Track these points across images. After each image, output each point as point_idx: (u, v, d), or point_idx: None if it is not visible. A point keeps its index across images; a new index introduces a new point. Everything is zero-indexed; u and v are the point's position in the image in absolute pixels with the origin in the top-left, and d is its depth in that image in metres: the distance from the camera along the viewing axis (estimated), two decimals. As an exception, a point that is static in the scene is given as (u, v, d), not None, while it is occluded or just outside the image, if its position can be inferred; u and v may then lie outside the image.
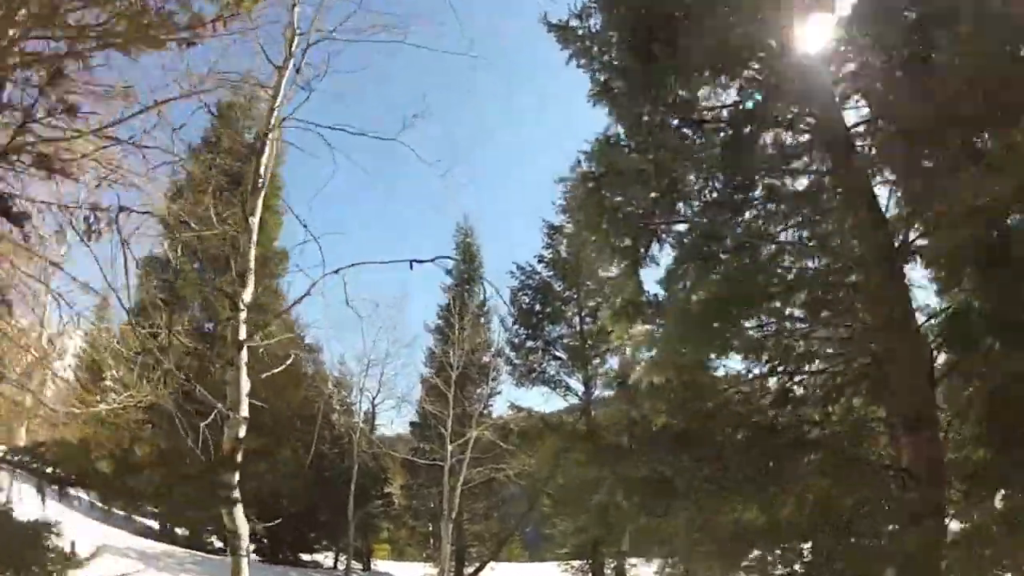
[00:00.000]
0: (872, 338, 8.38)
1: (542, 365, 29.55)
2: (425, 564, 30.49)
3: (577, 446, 27.38)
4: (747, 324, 9.00)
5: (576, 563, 27.81)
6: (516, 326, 30.21)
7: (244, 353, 6.36)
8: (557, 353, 29.98)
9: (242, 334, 6.30)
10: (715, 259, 8.78)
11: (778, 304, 8.79)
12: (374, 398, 30.10)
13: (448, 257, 5.34)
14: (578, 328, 30.07)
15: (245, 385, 6.29)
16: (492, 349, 29.94)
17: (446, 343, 24.22)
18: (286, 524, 27.58)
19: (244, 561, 6.06)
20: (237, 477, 6.17)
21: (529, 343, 29.87)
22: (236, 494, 6.05)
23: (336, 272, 6.28)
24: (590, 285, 30.07)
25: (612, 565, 27.31)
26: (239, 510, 6.00)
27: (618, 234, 9.48)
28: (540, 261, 30.87)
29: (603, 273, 20.15)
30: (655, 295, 9.60)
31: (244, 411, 6.31)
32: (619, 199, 9.34)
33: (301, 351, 29.68)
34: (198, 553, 23.04)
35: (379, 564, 32.34)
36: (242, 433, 6.18)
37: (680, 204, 9.31)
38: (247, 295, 6.44)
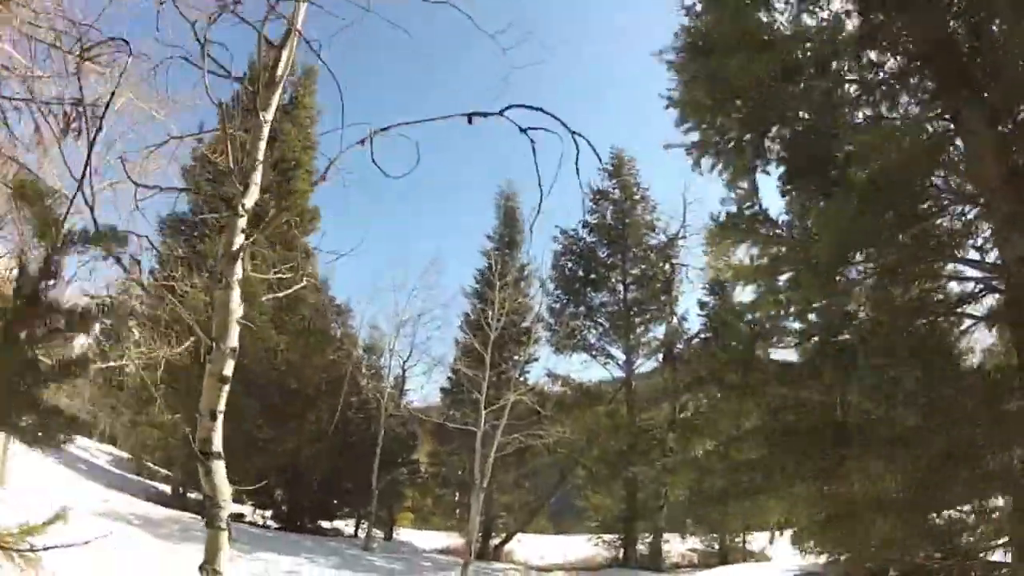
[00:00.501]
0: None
1: (582, 332, 28.53)
2: (448, 533, 29.40)
3: (616, 418, 26.10)
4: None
5: (608, 537, 26.72)
6: (557, 291, 29.20)
7: (239, 267, 4.86)
8: (599, 320, 28.73)
9: (237, 242, 4.79)
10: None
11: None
12: (405, 361, 28.80)
13: (517, 106, 3.69)
14: (622, 295, 28.86)
15: (237, 308, 4.80)
16: (532, 314, 28.56)
17: (484, 304, 22.67)
18: (307, 491, 27.00)
19: (223, 536, 4.59)
20: (219, 426, 4.67)
21: (570, 309, 28.80)
22: (216, 446, 4.57)
23: (362, 142, 4.62)
24: (636, 252, 28.90)
25: (647, 540, 26.14)
26: (219, 469, 4.56)
27: (728, 115, 7.92)
28: (585, 226, 29.67)
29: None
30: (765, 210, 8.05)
31: (232, 341, 4.82)
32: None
33: (330, 312, 28.55)
34: (208, 520, 21.92)
35: (401, 532, 31.17)
36: (228, 370, 4.69)
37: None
38: (249, 199, 4.94)
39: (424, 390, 30.28)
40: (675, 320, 27.70)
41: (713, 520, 25.76)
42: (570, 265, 29.32)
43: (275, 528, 25.53)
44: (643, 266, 28.98)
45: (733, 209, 8.43)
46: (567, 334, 27.78)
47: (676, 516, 26.45)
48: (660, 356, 27.98)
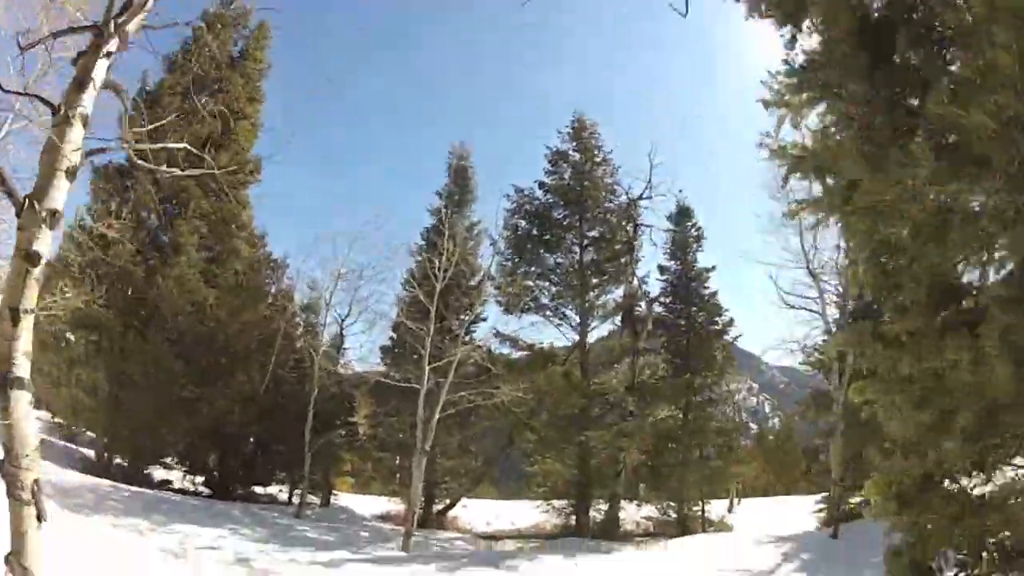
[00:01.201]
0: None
1: (534, 293, 27.12)
2: (390, 499, 27.82)
3: (570, 380, 24.87)
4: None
5: (558, 504, 25.61)
6: (508, 251, 27.71)
7: (88, 97, 3.14)
8: (553, 281, 27.60)
9: (98, 69, 3.07)
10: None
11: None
12: (344, 319, 27.12)
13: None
14: (578, 257, 27.66)
15: (72, 156, 3.07)
16: (481, 273, 27.36)
17: (432, 253, 21.04)
18: (239, 455, 25.49)
19: (29, 513, 2.89)
20: (27, 336, 2.95)
21: (522, 269, 27.51)
22: (20, 369, 2.86)
23: None
24: (595, 213, 28.02)
25: (601, 507, 25.23)
26: (21, 405, 2.83)
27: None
28: (541, 187, 28.36)
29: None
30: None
31: (55, 202, 3.10)
32: None
33: (264, 266, 26.76)
34: (129, 488, 20.06)
35: (341, 498, 29.68)
36: (42, 245, 2.98)
37: None
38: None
39: (364, 349, 28.47)
40: (636, 281, 26.39)
41: (671, 487, 25.31)
42: (523, 224, 27.80)
43: (206, 495, 23.87)
44: (601, 228, 27.85)
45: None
46: (518, 293, 26.25)
47: (630, 483, 25.82)
48: (619, 319, 26.81)
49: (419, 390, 18.49)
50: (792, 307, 25.06)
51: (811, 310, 24.81)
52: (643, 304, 26.41)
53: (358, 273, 25.34)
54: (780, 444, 45.17)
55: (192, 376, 23.54)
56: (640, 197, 26.78)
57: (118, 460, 23.73)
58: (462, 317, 23.81)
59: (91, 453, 24.14)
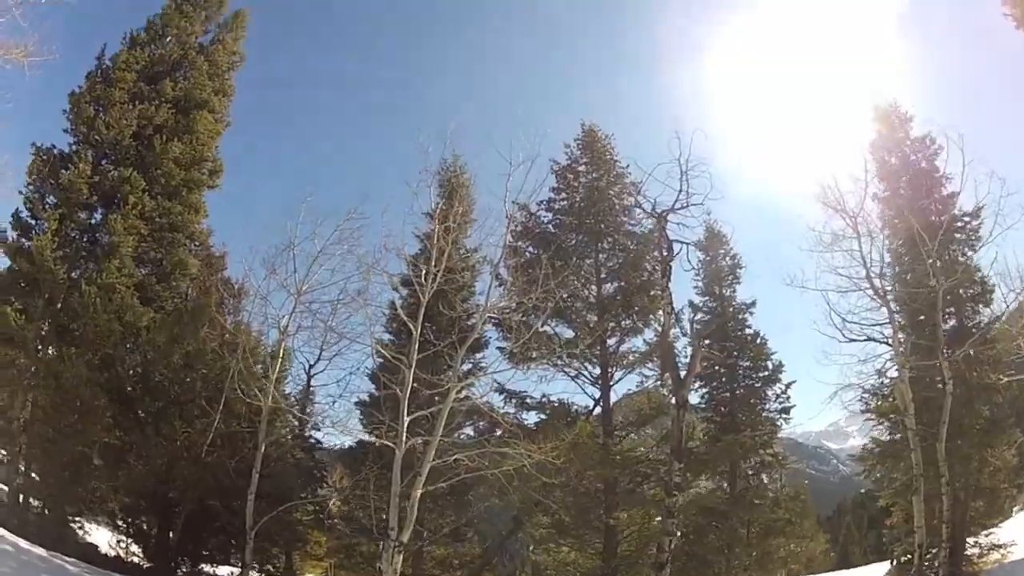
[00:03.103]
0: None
1: (547, 336, 21.43)
2: (369, 591, 22.17)
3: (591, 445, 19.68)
4: None
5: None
6: (511, 280, 22.24)
7: None
8: (569, 320, 22.58)
9: None
10: None
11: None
12: (311, 366, 22.24)
13: None
14: (596, 292, 22.87)
15: None
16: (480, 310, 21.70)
17: (418, 265, 15.62)
18: (183, 523, 19.91)
19: None
20: None
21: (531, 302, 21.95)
22: None
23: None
24: (616, 238, 23.32)
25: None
26: None
27: None
28: (548, 210, 23.88)
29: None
30: None
31: None
32: None
33: (217, 289, 21.41)
34: (35, 553, 15.78)
35: None
36: None
37: None
38: None
39: (337, 405, 22.71)
40: (673, 316, 21.25)
41: (713, 572, 20.94)
42: (530, 249, 22.76)
43: (144, 569, 19.41)
44: (623, 255, 23.03)
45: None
46: (526, 338, 20.53)
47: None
48: (649, 366, 21.76)
49: (395, 451, 13.27)
50: (853, 340, 19.89)
51: (877, 339, 19.91)
52: (691, 341, 21.27)
53: (329, 307, 18.58)
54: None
55: (121, 419, 19.17)
56: (672, 209, 21.53)
57: (36, 503, 19.50)
58: (453, 358, 17.91)
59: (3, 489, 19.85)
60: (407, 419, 13.36)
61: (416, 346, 13.97)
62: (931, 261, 18.30)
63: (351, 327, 17.92)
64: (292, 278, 18.18)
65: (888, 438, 21.39)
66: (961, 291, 20.46)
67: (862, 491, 58.70)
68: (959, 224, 20.48)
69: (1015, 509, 25.52)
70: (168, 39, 23.96)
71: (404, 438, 13.27)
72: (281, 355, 18.90)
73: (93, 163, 21.28)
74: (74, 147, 21.53)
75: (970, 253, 20.73)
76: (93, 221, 21.64)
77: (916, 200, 20.24)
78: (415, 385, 14.39)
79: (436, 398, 15.16)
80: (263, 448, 17.63)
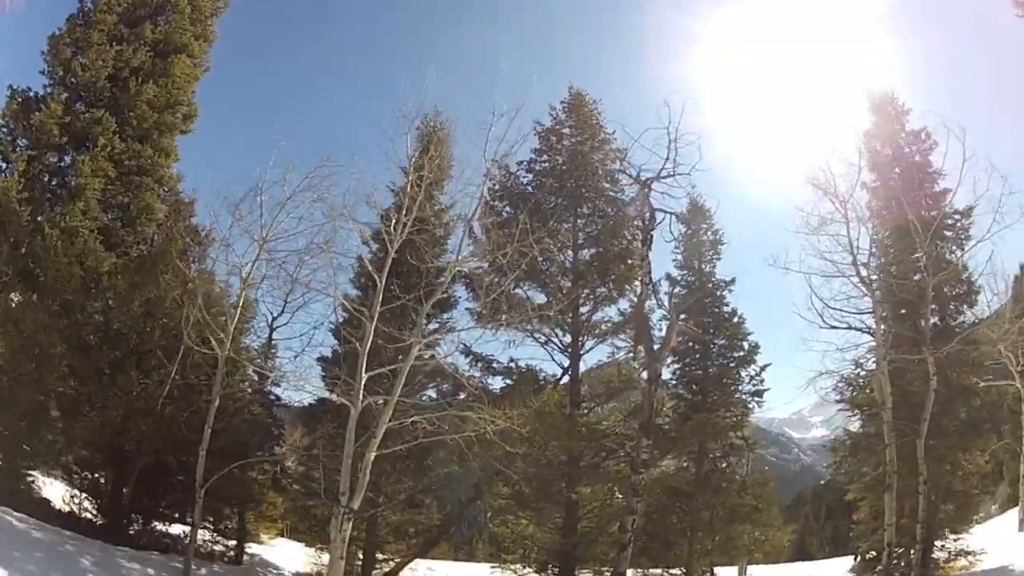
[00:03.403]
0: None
1: (514, 299, 20.54)
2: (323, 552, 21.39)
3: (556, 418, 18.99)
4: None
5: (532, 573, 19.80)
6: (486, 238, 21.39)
7: None
8: (542, 284, 21.77)
9: None
10: None
11: None
12: (274, 319, 21.56)
13: None
14: (572, 257, 22.01)
15: None
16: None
17: (388, 225, 14.67)
18: (138, 479, 19.14)
19: None
20: None
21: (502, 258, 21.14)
22: None
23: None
24: (597, 204, 22.47)
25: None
26: None
27: None
28: (529, 171, 22.93)
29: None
30: None
31: None
32: None
33: (182, 236, 20.47)
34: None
35: (273, 545, 24.75)
36: None
37: None
38: None
39: (299, 360, 21.84)
40: (650, 288, 20.57)
41: (673, 558, 20.58)
42: (507, 209, 21.96)
43: (98, 526, 18.39)
44: (601, 222, 22.34)
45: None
46: (495, 298, 19.48)
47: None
48: (625, 335, 21.11)
49: (351, 411, 12.55)
50: (834, 327, 19.43)
51: (859, 328, 19.47)
52: (667, 314, 20.67)
53: (297, 259, 17.16)
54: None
55: (79, 368, 18.20)
56: (658, 176, 20.77)
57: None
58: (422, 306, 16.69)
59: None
60: (365, 376, 12.67)
61: (380, 298, 13.23)
62: (921, 255, 18.02)
63: (317, 280, 16.97)
64: (257, 224, 17.18)
65: (861, 430, 21.24)
66: (947, 289, 20.27)
67: (822, 482, 59.38)
68: (949, 222, 20.21)
69: (991, 511, 25.64)
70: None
71: (361, 396, 12.56)
72: (241, 304, 17.95)
73: (66, 104, 20.84)
74: (49, 89, 21.14)
75: (958, 252, 20.49)
76: (63, 164, 21.04)
77: (907, 192, 19.79)
78: (380, 342, 13.73)
79: (400, 356, 14.31)
80: (217, 401, 16.81)
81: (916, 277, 18.91)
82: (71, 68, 21.02)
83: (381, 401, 13.23)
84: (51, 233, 18.85)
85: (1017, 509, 23.08)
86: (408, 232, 13.99)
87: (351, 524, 12.69)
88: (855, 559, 22.05)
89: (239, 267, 17.83)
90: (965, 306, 20.78)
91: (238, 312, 17.65)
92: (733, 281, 22.80)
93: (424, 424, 12.97)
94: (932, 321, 19.42)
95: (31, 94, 20.91)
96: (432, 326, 18.75)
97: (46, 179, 20.69)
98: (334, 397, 14.58)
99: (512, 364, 21.18)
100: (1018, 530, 22.55)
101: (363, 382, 12.68)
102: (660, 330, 20.86)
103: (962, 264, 20.32)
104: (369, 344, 12.99)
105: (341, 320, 18.28)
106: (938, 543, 19.08)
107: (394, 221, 13.82)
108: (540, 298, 21.29)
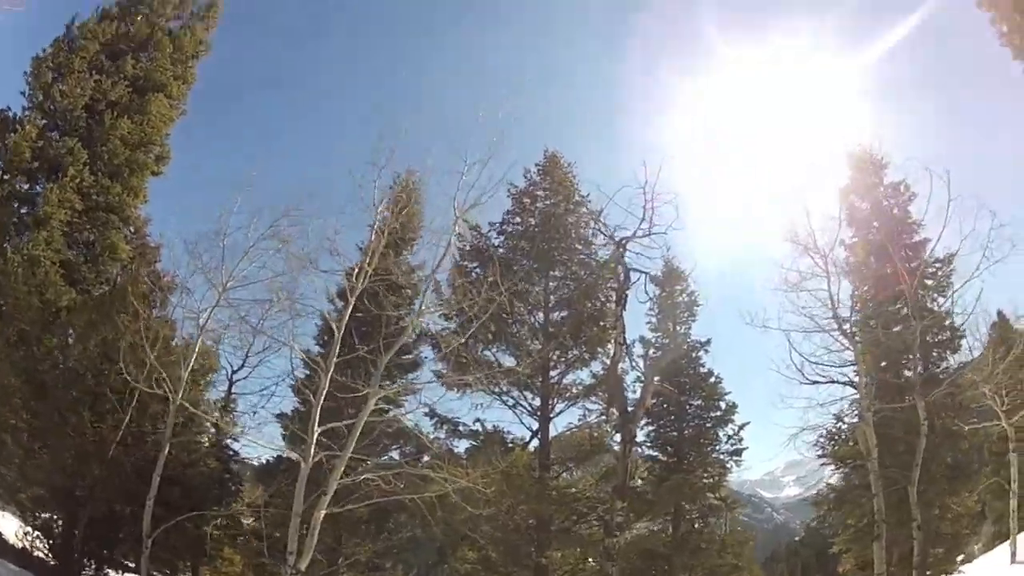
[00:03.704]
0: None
1: (482, 361, 19.98)
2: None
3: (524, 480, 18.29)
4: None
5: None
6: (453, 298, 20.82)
7: None
8: (512, 347, 21.35)
9: None
10: None
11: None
12: (234, 372, 21.31)
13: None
14: (542, 319, 21.65)
15: None
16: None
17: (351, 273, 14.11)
18: (89, 524, 18.14)
19: None
20: None
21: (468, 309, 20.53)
22: None
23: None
24: (570, 268, 22.30)
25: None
26: None
27: None
28: (500, 233, 22.69)
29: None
30: None
31: None
32: None
33: (144, 280, 19.82)
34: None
35: None
36: None
37: None
38: None
39: (258, 416, 21.12)
40: (624, 349, 20.13)
41: None
42: (476, 270, 21.32)
43: (50, 566, 17.89)
44: (574, 284, 22.01)
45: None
46: (463, 359, 18.72)
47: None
48: (596, 398, 20.58)
49: (303, 467, 11.83)
50: (815, 382, 19.33)
51: (841, 381, 19.48)
52: (641, 375, 20.26)
53: (259, 309, 16.07)
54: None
55: (32, 403, 17.67)
56: (633, 236, 20.57)
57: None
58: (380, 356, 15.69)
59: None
60: (318, 429, 11.96)
61: (336, 347, 12.60)
62: (906, 303, 18.08)
63: (278, 332, 16.33)
64: (219, 271, 16.55)
65: (843, 483, 21.20)
66: (929, 337, 20.36)
67: (796, 539, 58.85)
68: (930, 271, 20.46)
69: (974, 551, 25.28)
70: (139, 16, 23.71)
71: (313, 451, 11.84)
72: (196, 351, 17.27)
73: (41, 129, 20.95)
74: (27, 112, 21.19)
75: (940, 299, 20.74)
76: (33, 191, 20.89)
77: (887, 245, 19.81)
78: (340, 397, 13.05)
79: (357, 412, 13.66)
80: (166, 449, 16.19)
81: (896, 328, 19.23)
82: (50, 93, 21.12)
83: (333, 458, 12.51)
84: (13, 258, 18.69)
85: (1007, 543, 22.67)
86: (371, 280, 13.40)
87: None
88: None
89: (196, 312, 17.29)
90: (948, 352, 21.03)
91: (192, 358, 16.98)
92: (709, 342, 22.86)
93: (379, 482, 12.27)
94: (917, 369, 19.44)
95: (10, 114, 20.94)
96: (395, 385, 17.97)
97: (15, 205, 20.53)
98: (292, 455, 13.89)
99: (479, 425, 20.67)
100: (1010, 563, 22.20)
101: (315, 436, 11.97)
102: (634, 391, 20.60)
103: (946, 311, 20.47)
104: (323, 396, 12.32)
105: (303, 377, 17.56)
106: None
107: (357, 270, 13.25)
108: (509, 361, 20.92)
